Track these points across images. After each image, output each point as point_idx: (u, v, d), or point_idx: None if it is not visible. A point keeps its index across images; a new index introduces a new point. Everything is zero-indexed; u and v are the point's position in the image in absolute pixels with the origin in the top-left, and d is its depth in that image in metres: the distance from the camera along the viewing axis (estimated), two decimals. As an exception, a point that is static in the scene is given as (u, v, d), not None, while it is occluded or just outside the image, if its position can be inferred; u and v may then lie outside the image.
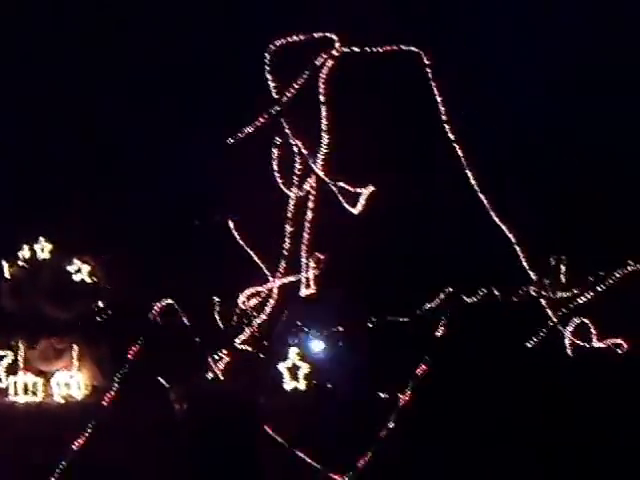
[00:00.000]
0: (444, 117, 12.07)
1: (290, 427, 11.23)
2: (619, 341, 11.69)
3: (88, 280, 11.53)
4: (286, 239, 12.34)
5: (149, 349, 11.12)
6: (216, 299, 12.90)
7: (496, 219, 11.92)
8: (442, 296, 12.01)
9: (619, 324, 11.73)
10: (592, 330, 11.83)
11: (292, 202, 12.40)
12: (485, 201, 11.93)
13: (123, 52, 12.87)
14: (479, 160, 12.15)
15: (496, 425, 11.14)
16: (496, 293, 12.25)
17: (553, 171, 12.30)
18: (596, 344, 11.76)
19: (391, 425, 10.96)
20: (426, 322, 11.68)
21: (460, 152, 12.13)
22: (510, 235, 11.92)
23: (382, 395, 11.18)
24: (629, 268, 12.33)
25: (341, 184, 12.24)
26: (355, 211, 12.13)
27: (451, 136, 12.08)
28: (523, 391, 11.29)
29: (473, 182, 12.02)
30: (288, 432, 11.16)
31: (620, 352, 11.68)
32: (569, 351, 11.85)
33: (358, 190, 12.22)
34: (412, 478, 10.78)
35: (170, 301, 11.44)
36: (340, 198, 12.20)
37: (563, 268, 12.39)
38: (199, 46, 12.90)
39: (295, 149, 12.52)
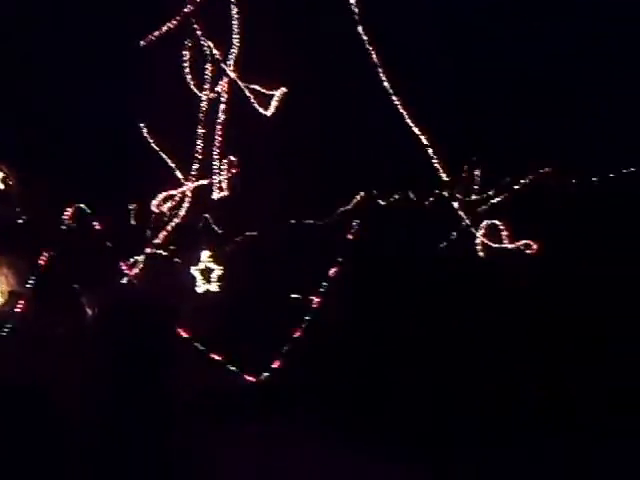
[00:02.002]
0: (357, 17, 11.90)
1: (204, 330, 11.26)
2: (529, 242, 11.85)
3: (1, 186, 11.31)
4: (198, 142, 12.18)
5: (62, 254, 11.00)
6: (130, 203, 12.77)
7: (410, 122, 11.86)
8: (357, 199, 12.00)
9: (529, 226, 11.90)
10: (503, 232, 11.97)
11: (204, 104, 12.21)
12: (399, 104, 11.84)
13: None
14: (393, 62, 12.04)
15: (409, 324, 11.32)
16: (411, 196, 12.27)
17: (467, 74, 12.25)
18: (507, 245, 11.91)
19: (304, 326, 11.07)
20: (340, 225, 11.69)
21: (374, 54, 11.99)
22: (424, 138, 11.89)
23: (295, 297, 11.24)
24: (540, 171, 12.46)
25: (253, 86, 12.06)
26: (268, 113, 11.98)
27: (365, 37, 11.92)
28: (434, 291, 11.47)
29: (387, 85, 11.91)
30: (202, 335, 11.19)
31: (529, 252, 11.86)
32: (480, 252, 12.00)
33: (270, 92, 12.06)
34: (325, 379, 10.92)
35: (82, 205, 11.26)
36: (252, 100, 12.03)
37: (476, 171, 12.45)
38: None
39: (206, 51, 12.29)
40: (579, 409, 9.44)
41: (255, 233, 11.91)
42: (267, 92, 12.09)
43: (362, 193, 12.00)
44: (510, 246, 11.89)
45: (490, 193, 12.28)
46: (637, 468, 8.29)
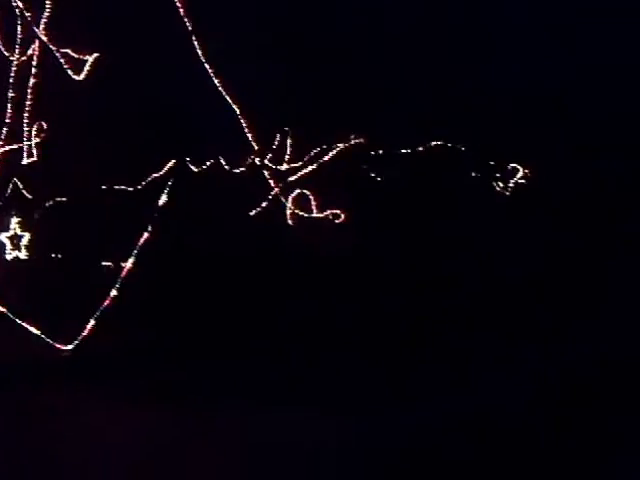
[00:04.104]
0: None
1: (13, 298, 11.15)
2: (337, 211, 12.23)
3: None
4: (8, 106, 11.94)
5: None
6: None
7: (222, 89, 11.99)
8: (168, 166, 12.05)
9: (337, 195, 12.28)
10: (312, 201, 12.30)
11: (14, 68, 11.94)
12: (212, 72, 11.95)
13: None
14: (207, 30, 12.11)
15: (219, 290, 11.56)
16: (223, 163, 12.41)
17: (278, 43, 12.43)
18: (316, 214, 12.25)
19: (114, 293, 11.13)
20: (151, 192, 11.74)
21: (188, 22, 12.03)
22: (235, 106, 12.05)
23: (106, 264, 11.26)
24: (350, 142, 12.82)
25: (65, 50, 11.88)
26: (79, 78, 11.84)
27: (179, 4, 11.95)
28: (244, 260, 11.74)
29: (200, 53, 11.99)
30: (11, 303, 11.08)
31: (337, 221, 12.25)
32: (289, 220, 12.31)
33: (83, 57, 11.91)
34: (135, 344, 11.06)
35: None
36: (64, 64, 11.86)
37: (288, 140, 12.69)
38: None
39: (17, 12, 12.01)
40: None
41: (65, 199, 11.80)
42: (80, 57, 11.92)
43: (174, 160, 12.03)
44: (319, 215, 12.24)
45: (300, 163, 12.55)
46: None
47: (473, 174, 13.14)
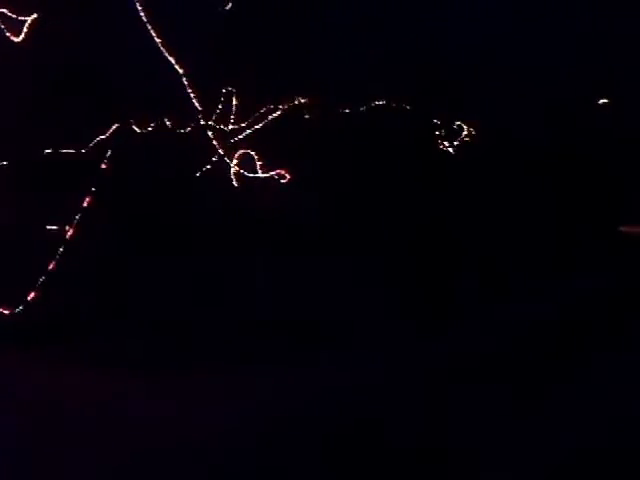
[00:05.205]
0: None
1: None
2: (282, 171, 12.27)
3: None
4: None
5: None
6: None
7: (166, 51, 11.90)
8: (113, 128, 11.95)
9: (282, 156, 12.31)
10: (257, 162, 12.32)
11: (-51, 29, 11.69)
12: (153, 31, 11.84)
13: None
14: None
15: (166, 252, 11.57)
16: (167, 124, 12.34)
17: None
18: (260, 174, 12.28)
19: (58, 257, 11.08)
20: (96, 155, 11.66)
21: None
22: (178, 67, 11.97)
23: (50, 228, 11.19)
24: (294, 102, 12.83)
25: (2, 10, 11.66)
26: (18, 39, 11.64)
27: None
28: (191, 220, 11.75)
29: (143, 13, 11.86)
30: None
31: (283, 181, 12.29)
32: (234, 182, 12.31)
33: (22, 17, 11.70)
34: (80, 310, 11.04)
35: None
36: (1, 25, 11.64)
37: (233, 100, 12.65)
38: None
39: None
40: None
41: (7, 163, 11.66)
42: (18, 17, 11.70)
43: (118, 122, 11.93)
44: (264, 175, 12.26)
45: (245, 124, 12.54)
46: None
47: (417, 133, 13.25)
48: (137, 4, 11.85)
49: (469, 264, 12.69)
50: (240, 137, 12.45)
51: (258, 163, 12.28)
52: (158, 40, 11.86)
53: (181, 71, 12.04)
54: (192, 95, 12.14)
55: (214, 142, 12.32)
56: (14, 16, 11.67)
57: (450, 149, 13.42)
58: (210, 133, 12.31)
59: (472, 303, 11.52)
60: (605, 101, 14.68)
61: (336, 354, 9.72)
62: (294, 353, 9.76)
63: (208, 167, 12.22)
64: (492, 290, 11.83)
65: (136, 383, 8.82)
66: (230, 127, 12.49)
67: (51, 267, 10.96)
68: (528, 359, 9.47)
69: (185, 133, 12.29)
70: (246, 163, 12.30)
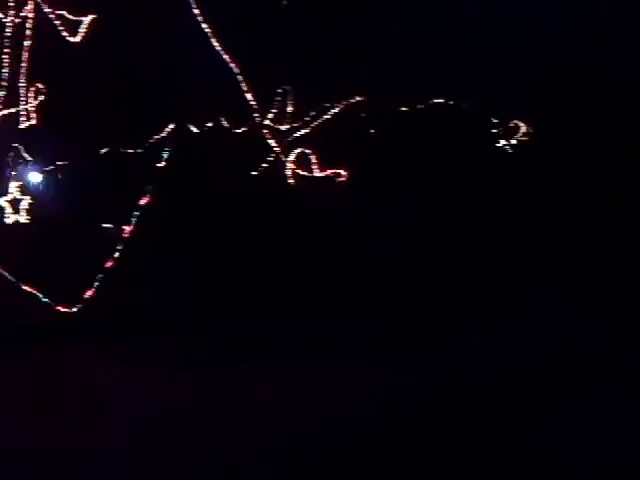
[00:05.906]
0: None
1: (14, 261, 11.11)
2: (338, 170, 12.20)
3: None
4: (4, 69, 11.79)
5: None
6: None
7: (220, 49, 11.88)
8: (169, 128, 11.95)
9: (339, 155, 12.23)
10: (313, 160, 12.25)
11: (9, 30, 11.78)
12: (209, 30, 11.83)
13: None
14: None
15: (221, 252, 11.52)
16: (224, 124, 12.32)
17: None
18: (317, 174, 12.22)
19: (116, 255, 11.10)
20: (152, 154, 11.67)
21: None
22: (233, 65, 11.94)
23: (107, 226, 11.22)
24: (351, 101, 12.73)
25: (60, 11, 11.73)
26: (75, 40, 11.70)
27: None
28: (246, 221, 11.70)
29: (198, 12, 11.86)
30: (13, 266, 11.04)
31: (339, 180, 12.22)
32: (291, 180, 12.26)
33: (78, 18, 11.76)
34: (138, 306, 11.03)
35: None
36: (59, 26, 11.71)
37: (289, 99, 12.60)
38: None
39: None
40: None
41: (66, 163, 11.72)
42: (74, 18, 11.77)
43: (175, 121, 11.93)
44: (320, 174, 12.19)
45: (301, 122, 12.47)
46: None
47: (474, 131, 13.06)
48: (193, 3, 11.84)
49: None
50: (296, 136, 12.38)
51: (314, 162, 12.20)
52: (214, 39, 11.83)
53: (237, 70, 12.01)
54: (248, 94, 12.09)
55: (270, 141, 12.25)
56: (71, 17, 11.74)
57: (507, 147, 13.21)
58: (266, 132, 12.24)
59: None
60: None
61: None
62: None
63: (264, 166, 12.17)
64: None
65: (209, 380, 8.66)
66: (286, 126, 12.43)
67: (109, 265, 10.98)
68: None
69: (241, 132, 12.25)
70: (302, 162, 12.22)
